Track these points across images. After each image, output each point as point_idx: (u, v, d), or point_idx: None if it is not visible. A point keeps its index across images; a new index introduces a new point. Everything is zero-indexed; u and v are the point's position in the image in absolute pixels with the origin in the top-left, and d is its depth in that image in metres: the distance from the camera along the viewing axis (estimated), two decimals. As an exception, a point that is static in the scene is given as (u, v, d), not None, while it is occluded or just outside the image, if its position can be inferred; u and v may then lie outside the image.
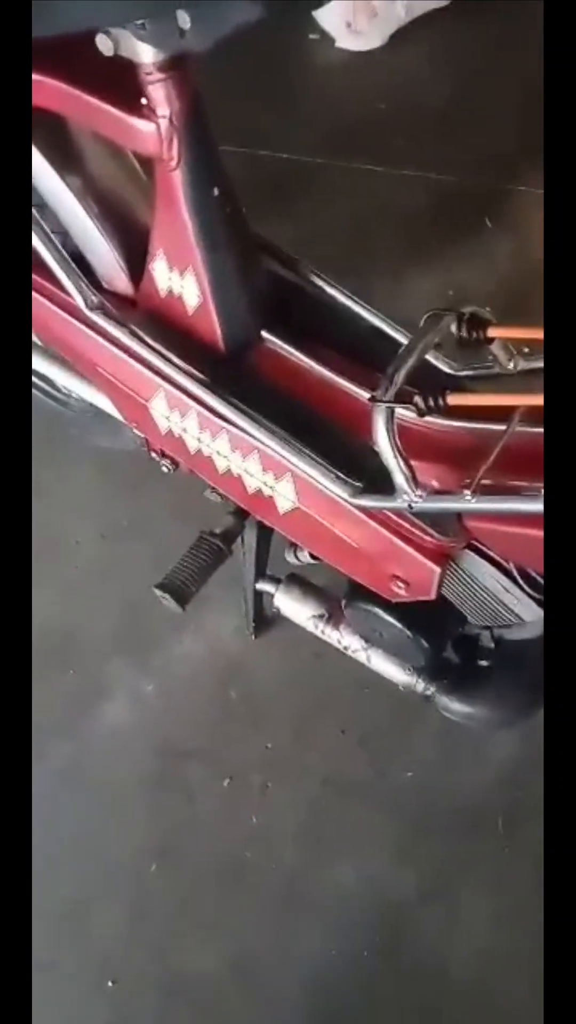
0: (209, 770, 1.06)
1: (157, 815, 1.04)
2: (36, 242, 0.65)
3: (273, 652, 1.13)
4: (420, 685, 0.90)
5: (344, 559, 0.75)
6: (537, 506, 0.52)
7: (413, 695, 0.90)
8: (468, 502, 0.55)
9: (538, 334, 0.51)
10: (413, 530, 0.64)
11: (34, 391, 1.20)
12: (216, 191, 0.60)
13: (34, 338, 1.00)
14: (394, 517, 0.64)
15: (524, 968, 0.94)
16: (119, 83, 0.57)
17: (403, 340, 0.72)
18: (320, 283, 0.73)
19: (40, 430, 1.15)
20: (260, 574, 1.03)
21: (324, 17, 1.71)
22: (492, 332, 0.61)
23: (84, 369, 0.79)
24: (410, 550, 0.65)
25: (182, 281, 0.65)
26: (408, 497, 0.57)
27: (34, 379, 1.19)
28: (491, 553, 0.68)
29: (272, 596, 0.98)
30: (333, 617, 0.94)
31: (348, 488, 0.63)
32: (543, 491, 0.52)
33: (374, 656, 0.92)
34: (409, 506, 0.57)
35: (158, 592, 0.81)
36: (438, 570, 0.65)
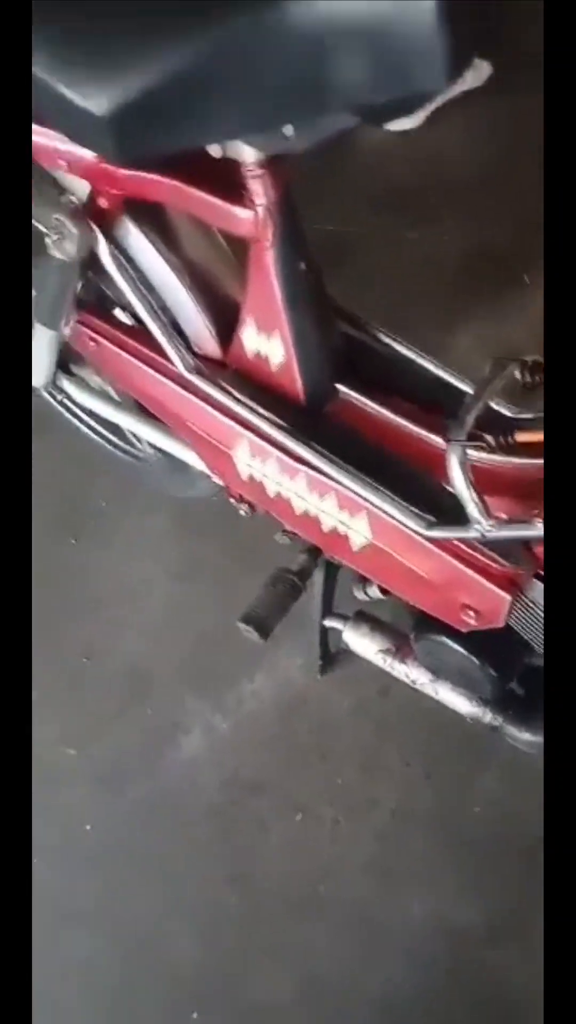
0: (281, 803, 1.10)
1: (232, 846, 1.08)
2: (143, 313, 0.74)
3: (340, 688, 1.18)
4: (487, 716, 0.94)
5: (415, 591, 0.80)
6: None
7: (479, 728, 0.94)
8: (538, 529, 0.61)
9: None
10: (484, 559, 0.70)
11: (110, 447, 1.30)
12: (303, 265, 0.68)
13: (113, 393, 1.11)
14: (465, 548, 0.70)
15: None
16: (218, 173, 0.66)
17: (463, 387, 0.79)
18: (386, 339, 0.81)
19: (117, 482, 1.28)
20: (328, 611, 1.09)
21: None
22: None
23: (174, 425, 0.87)
24: (481, 579, 0.71)
25: (269, 343, 0.73)
26: (481, 527, 0.63)
27: (108, 435, 1.30)
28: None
29: (340, 632, 1.05)
30: (401, 651, 0.99)
31: (422, 522, 0.69)
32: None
33: (441, 689, 0.97)
34: (482, 535, 0.64)
35: (242, 626, 0.88)
36: (508, 598, 0.71)
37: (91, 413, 1.21)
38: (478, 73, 1.72)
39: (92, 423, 1.28)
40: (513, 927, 1.03)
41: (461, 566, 0.72)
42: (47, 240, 0.75)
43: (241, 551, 1.25)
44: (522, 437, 0.62)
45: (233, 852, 1.08)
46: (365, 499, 0.75)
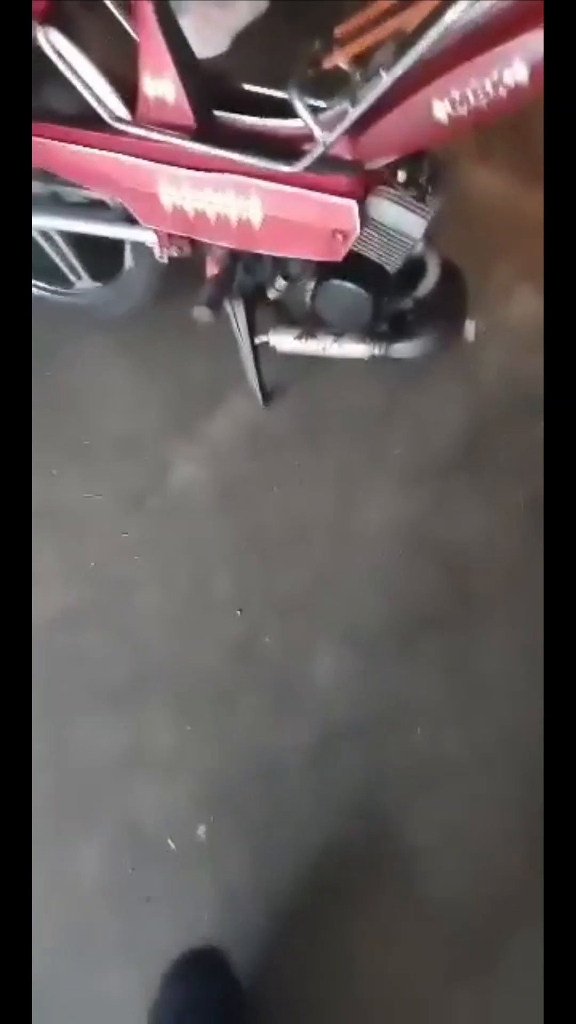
0: (261, 486, 1.50)
1: (236, 517, 1.47)
2: (76, 83, 1.10)
3: (276, 412, 1.58)
4: (376, 348, 1.34)
5: (304, 243, 1.18)
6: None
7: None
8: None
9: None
10: (332, 182, 1.09)
11: (48, 294, 1.64)
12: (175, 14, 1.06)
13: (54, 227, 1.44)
14: (318, 179, 1.09)
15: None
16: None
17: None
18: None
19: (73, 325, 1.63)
20: (253, 337, 1.47)
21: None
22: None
23: (110, 189, 1.23)
24: (334, 198, 1.10)
25: (162, 84, 1.09)
26: (321, 135, 1.02)
27: (46, 285, 1.63)
28: (383, 191, 1.13)
29: (267, 344, 1.43)
30: (307, 332, 1.38)
31: (287, 162, 1.07)
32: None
33: (343, 343, 1.36)
34: (324, 144, 1.02)
35: (196, 310, 1.24)
36: (354, 203, 1.10)
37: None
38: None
39: (38, 282, 1.63)
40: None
41: (319, 194, 1.11)
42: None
43: (175, 343, 1.63)
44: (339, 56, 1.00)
45: (239, 517, 1.47)
46: (252, 176, 1.12)
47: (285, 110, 1.16)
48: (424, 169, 1.12)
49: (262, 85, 1.19)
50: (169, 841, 1.21)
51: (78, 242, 1.51)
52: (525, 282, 1.66)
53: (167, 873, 1.20)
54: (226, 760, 1.27)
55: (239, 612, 1.38)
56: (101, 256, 1.53)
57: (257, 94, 1.19)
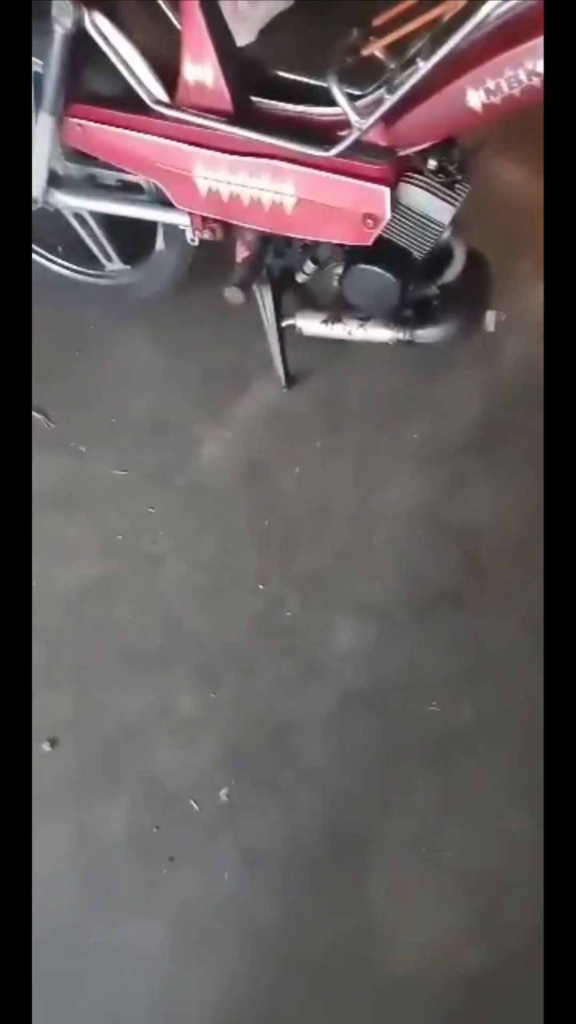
0: (282, 467, 1.53)
1: (260, 495, 1.51)
2: (120, 67, 1.15)
3: (302, 396, 1.62)
4: (402, 334, 1.38)
5: (336, 227, 1.23)
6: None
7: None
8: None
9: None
10: (364, 167, 1.13)
11: (79, 276, 1.68)
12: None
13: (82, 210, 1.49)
14: (351, 164, 1.13)
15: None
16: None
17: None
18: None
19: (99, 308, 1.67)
20: (280, 320, 1.51)
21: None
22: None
23: (147, 172, 1.28)
24: (366, 183, 1.14)
25: (203, 69, 1.14)
26: (358, 122, 1.06)
27: (76, 266, 1.67)
28: (413, 178, 1.17)
29: (293, 327, 1.47)
30: (334, 316, 1.42)
31: (323, 148, 1.12)
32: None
33: (369, 328, 1.40)
34: (360, 129, 1.06)
35: (227, 291, 1.29)
36: (386, 189, 1.14)
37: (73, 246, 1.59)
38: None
39: (70, 264, 1.67)
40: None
41: (353, 180, 1.15)
42: (53, 22, 1.14)
43: (202, 326, 1.67)
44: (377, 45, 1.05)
45: (262, 496, 1.51)
46: (287, 160, 1.17)
47: (311, 96, 1.20)
48: (454, 157, 1.17)
49: (291, 72, 1.24)
50: (192, 802, 1.25)
51: (110, 224, 1.55)
52: (543, 274, 1.69)
53: (190, 833, 1.24)
54: (248, 726, 1.31)
55: (261, 586, 1.41)
56: (131, 238, 1.57)
57: (287, 80, 1.24)
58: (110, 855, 1.23)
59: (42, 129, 1.28)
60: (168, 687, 1.35)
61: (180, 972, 1.16)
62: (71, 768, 1.28)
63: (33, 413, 1.59)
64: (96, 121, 1.26)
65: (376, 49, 1.11)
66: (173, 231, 1.46)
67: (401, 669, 1.36)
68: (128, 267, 1.62)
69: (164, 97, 1.21)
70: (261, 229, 1.30)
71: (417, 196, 1.19)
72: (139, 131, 1.24)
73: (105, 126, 1.26)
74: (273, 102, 1.20)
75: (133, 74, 1.19)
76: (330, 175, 1.17)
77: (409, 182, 1.18)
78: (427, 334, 1.37)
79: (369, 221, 1.20)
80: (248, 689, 1.34)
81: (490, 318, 1.40)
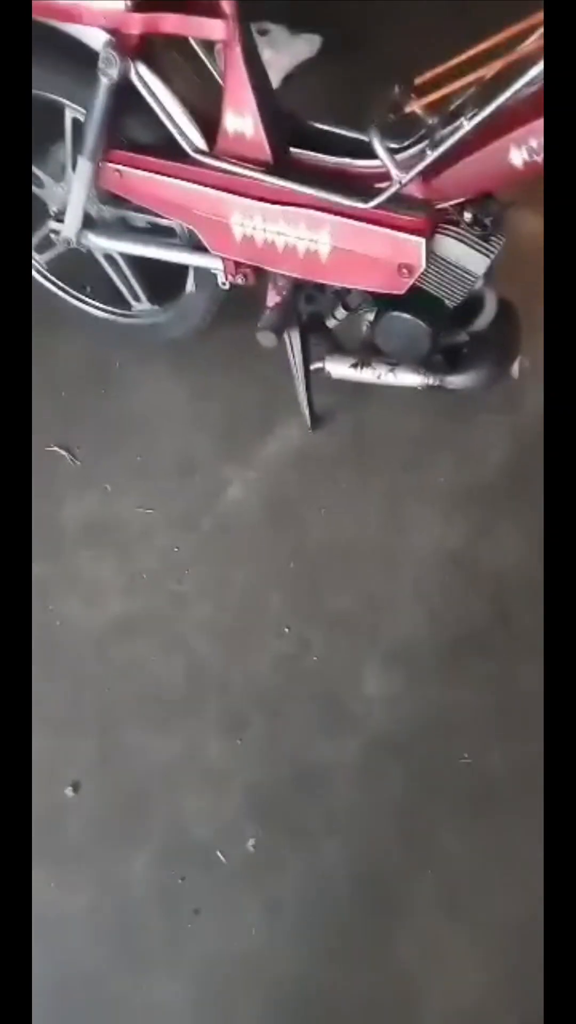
0: (308, 506, 1.54)
1: (288, 531, 1.52)
2: (161, 115, 1.16)
3: (327, 438, 1.63)
4: (431, 379, 1.39)
5: (370, 275, 1.24)
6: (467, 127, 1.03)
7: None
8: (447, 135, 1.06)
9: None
10: (401, 219, 1.15)
11: (107, 315, 1.69)
12: (261, 60, 1.13)
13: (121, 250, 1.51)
14: (388, 215, 1.15)
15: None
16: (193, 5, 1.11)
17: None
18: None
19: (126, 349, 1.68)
20: (308, 365, 1.52)
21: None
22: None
23: (184, 218, 1.29)
24: (402, 234, 1.16)
25: (243, 120, 1.15)
26: (398, 175, 1.07)
27: (104, 306, 1.68)
28: (449, 230, 1.18)
29: (321, 370, 1.48)
30: (363, 361, 1.43)
31: (361, 199, 1.13)
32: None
33: (399, 372, 1.41)
34: (399, 183, 1.08)
35: (260, 335, 1.30)
36: (422, 240, 1.15)
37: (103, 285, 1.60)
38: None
39: (98, 303, 1.69)
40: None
41: (390, 230, 1.16)
42: (99, 72, 1.16)
43: (229, 368, 1.68)
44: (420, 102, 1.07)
45: (287, 537, 1.51)
46: (324, 210, 1.18)
47: (349, 147, 1.22)
48: (490, 210, 1.18)
49: (329, 125, 1.26)
50: (219, 853, 1.24)
51: (139, 265, 1.57)
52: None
53: (216, 885, 1.22)
54: (275, 772, 1.30)
55: (287, 629, 1.41)
56: (161, 278, 1.58)
57: (325, 131, 1.26)
58: (134, 906, 1.21)
59: (80, 174, 1.30)
60: (194, 731, 1.34)
61: (204, 1029, 1.14)
62: (94, 814, 1.27)
63: (59, 451, 1.60)
64: (135, 168, 1.28)
65: (416, 107, 1.13)
66: (204, 274, 1.47)
67: (428, 716, 1.35)
68: (156, 307, 1.64)
69: (204, 146, 1.23)
70: (294, 275, 1.32)
71: (453, 248, 1.20)
72: (178, 178, 1.26)
73: (144, 172, 1.28)
74: (311, 152, 1.22)
75: (174, 123, 1.21)
76: (367, 225, 1.18)
77: (445, 233, 1.19)
78: (457, 380, 1.38)
79: (404, 271, 1.21)
80: (274, 735, 1.33)
81: (515, 364, 1.42)
